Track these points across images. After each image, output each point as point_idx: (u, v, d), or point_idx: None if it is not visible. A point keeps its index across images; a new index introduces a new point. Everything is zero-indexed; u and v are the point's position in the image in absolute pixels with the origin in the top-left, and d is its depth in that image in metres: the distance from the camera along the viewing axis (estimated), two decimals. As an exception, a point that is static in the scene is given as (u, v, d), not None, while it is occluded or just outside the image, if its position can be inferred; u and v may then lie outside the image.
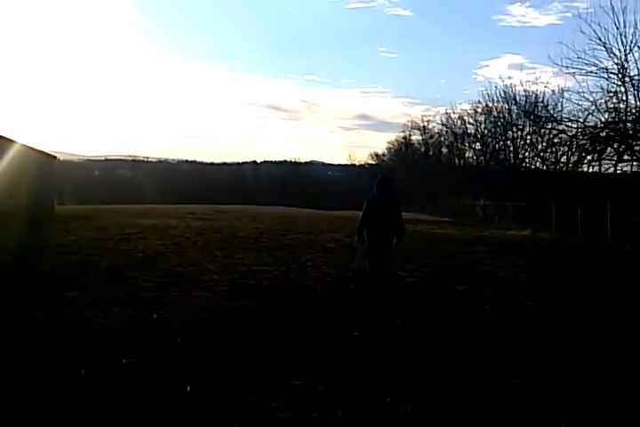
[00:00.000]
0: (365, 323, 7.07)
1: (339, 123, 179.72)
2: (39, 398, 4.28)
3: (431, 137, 65.53)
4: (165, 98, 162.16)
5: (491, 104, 47.06)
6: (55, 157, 29.56)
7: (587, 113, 28.24)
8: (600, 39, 25.31)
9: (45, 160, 27.33)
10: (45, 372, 4.89)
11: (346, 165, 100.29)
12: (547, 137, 38.58)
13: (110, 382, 4.69)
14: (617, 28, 25.22)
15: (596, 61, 25.76)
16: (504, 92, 44.28)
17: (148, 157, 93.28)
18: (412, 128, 68.37)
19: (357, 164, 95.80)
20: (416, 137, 68.96)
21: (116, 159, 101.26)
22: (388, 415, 4.15)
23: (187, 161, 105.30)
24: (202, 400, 4.35)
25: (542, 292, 9.69)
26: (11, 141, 25.78)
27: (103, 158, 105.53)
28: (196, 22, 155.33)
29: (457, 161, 58.24)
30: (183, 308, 7.70)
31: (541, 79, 58.63)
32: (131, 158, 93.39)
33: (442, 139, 62.29)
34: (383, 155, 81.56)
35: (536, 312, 8.00)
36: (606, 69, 25.72)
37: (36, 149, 27.13)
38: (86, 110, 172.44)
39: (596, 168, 33.43)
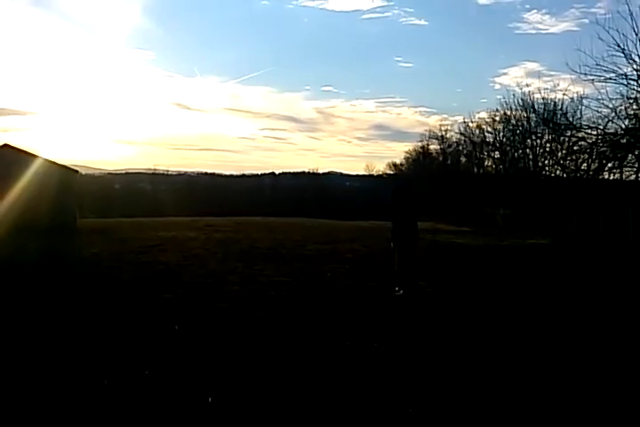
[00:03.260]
0: (385, 333, 7.06)
1: (356, 133, 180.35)
2: (62, 409, 4.33)
3: (449, 146, 65.29)
4: (183, 111, 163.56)
5: (509, 112, 46.77)
6: (77, 171, 29.90)
7: (606, 120, 28.00)
8: (619, 45, 25.12)
9: (67, 174, 27.65)
10: (68, 383, 4.95)
11: (364, 176, 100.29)
12: (566, 145, 38.21)
13: (132, 393, 4.73)
14: (636, 34, 25.01)
15: (615, 68, 25.56)
16: (522, 100, 44.00)
17: (167, 170, 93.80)
18: (429, 137, 68.09)
19: (375, 174, 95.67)
20: (434, 146, 68.72)
21: (136, 172, 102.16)
22: (410, 426, 4.14)
23: (206, 174, 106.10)
24: (224, 411, 4.37)
25: (564, 302, 9.61)
26: (33, 156, 26.18)
27: (124, 172, 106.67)
28: (210, 36, 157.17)
29: (476, 170, 57.88)
30: (204, 319, 7.74)
31: (560, 86, 58.31)
32: (151, 172, 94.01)
33: (460, 148, 62.03)
34: (401, 165, 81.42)
35: (559, 323, 7.94)
36: (625, 76, 25.52)
37: (57, 164, 27.49)
38: (107, 124, 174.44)
39: (617, 175, 33.08)
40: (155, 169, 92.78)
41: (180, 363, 5.65)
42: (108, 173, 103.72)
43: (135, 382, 5.00)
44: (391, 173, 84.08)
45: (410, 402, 4.56)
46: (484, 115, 64.79)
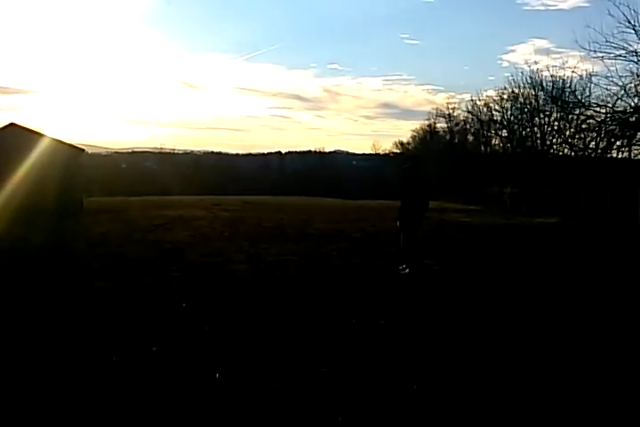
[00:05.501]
0: (391, 311, 7.09)
1: (362, 112, 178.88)
2: (73, 384, 4.39)
3: (456, 125, 64.77)
4: (189, 89, 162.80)
5: (517, 90, 46.33)
6: (83, 150, 29.82)
7: (615, 98, 27.76)
8: (629, 21, 24.80)
9: (73, 153, 27.59)
10: (79, 359, 5.01)
11: (370, 155, 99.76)
12: (574, 123, 37.93)
13: (141, 369, 4.79)
14: (647, 10, 24.66)
15: (625, 44, 25.26)
16: (530, 77, 43.58)
17: (174, 149, 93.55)
18: (436, 116, 67.49)
19: (382, 153, 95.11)
20: (441, 125, 68.12)
21: (142, 151, 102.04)
22: (415, 403, 4.17)
23: (212, 152, 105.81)
24: (230, 387, 4.41)
25: (572, 280, 9.62)
26: (40, 135, 26.15)
27: (130, 151, 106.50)
28: (216, 13, 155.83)
29: (483, 148, 57.54)
30: (211, 297, 7.79)
31: (568, 64, 57.57)
32: (157, 150, 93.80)
33: (467, 126, 61.57)
34: (408, 143, 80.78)
35: (565, 301, 7.95)
36: (636, 53, 25.23)
37: (64, 142, 27.43)
38: (112, 103, 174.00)
39: (625, 154, 32.87)
40: (161, 148, 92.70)
41: (187, 340, 5.69)
42: (115, 153, 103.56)
43: (143, 359, 5.05)
44: (398, 151, 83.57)
45: (415, 379, 4.60)
46: (491, 93, 64.41)
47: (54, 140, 26.66)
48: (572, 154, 39.34)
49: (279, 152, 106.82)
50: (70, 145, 27.97)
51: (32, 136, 25.65)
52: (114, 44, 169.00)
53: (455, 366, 5.00)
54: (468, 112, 58.36)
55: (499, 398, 4.27)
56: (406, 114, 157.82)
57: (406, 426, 3.80)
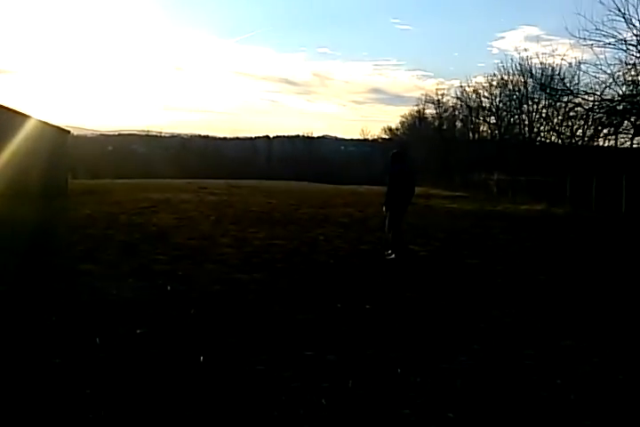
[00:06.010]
0: (377, 296, 7.11)
1: (351, 97, 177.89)
2: (56, 366, 4.37)
3: (445, 111, 64.65)
4: (177, 71, 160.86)
5: (506, 77, 46.36)
6: (69, 132, 29.59)
7: (604, 86, 27.83)
8: (619, 10, 24.79)
9: (59, 135, 27.37)
10: (61, 341, 4.98)
11: (359, 140, 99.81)
12: (562, 110, 38.03)
13: (124, 352, 4.77)
14: (637, -1, 24.67)
15: (615, 33, 25.27)
16: (520, 64, 43.61)
17: (161, 132, 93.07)
18: (425, 102, 67.34)
19: (370, 138, 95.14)
20: (430, 111, 67.97)
21: (129, 134, 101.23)
22: (399, 386, 4.19)
23: (200, 136, 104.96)
24: (214, 370, 4.41)
25: (554, 266, 9.69)
26: (25, 116, 25.87)
27: (117, 133, 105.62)
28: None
29: (471, 135, 57.59)
30: (196, 280, 7.77)
31: (558, 51, 57.57)
32: (144, 133, 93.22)
33: (456, 113, 61.49)
34: (397, 129, 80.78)
35: (547, 286, 8.01)
36: (625, 41, 25.25)
37: (50, 124, 27.18)
38: (98, 84, 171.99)
39: (612, 142, 33.05)
40: (148, 131, 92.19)
41: (172, 323, 5.68)
42: (101, 135, 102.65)
43: (127, 342, 5.03)
44: (386, 137, 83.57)
45: (399, 363, 4.62)
46: (480, 79, 64.38)
47: (40, 121, 26.40)
48: (560, 141, 39.49)
49: (267, 136, 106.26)
50: (56, 127, 27.71)
51: (17, 117, 25.36)
52: (102, 25, 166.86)
53: (440, 350, 5.03)
54: (457, 98, 58.42)
55: (484, 382, 4.31)
56: (395, 99, 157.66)
57: (390, 409, 3.82)
